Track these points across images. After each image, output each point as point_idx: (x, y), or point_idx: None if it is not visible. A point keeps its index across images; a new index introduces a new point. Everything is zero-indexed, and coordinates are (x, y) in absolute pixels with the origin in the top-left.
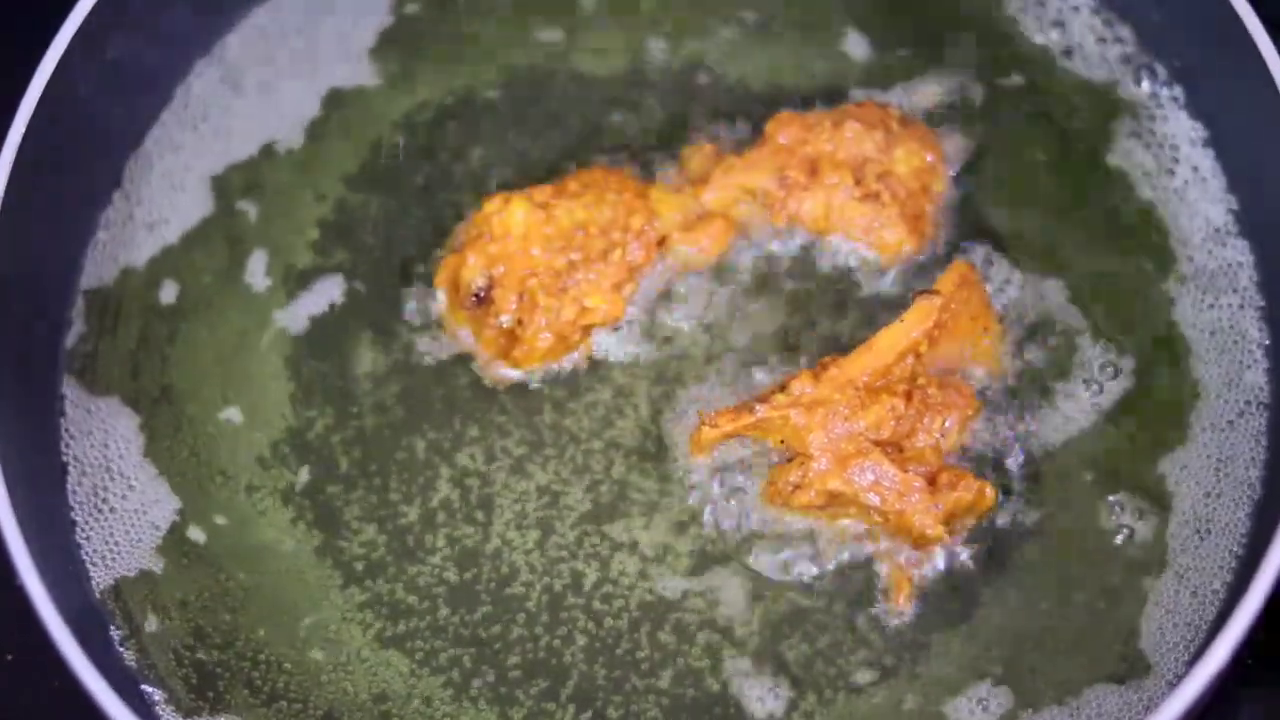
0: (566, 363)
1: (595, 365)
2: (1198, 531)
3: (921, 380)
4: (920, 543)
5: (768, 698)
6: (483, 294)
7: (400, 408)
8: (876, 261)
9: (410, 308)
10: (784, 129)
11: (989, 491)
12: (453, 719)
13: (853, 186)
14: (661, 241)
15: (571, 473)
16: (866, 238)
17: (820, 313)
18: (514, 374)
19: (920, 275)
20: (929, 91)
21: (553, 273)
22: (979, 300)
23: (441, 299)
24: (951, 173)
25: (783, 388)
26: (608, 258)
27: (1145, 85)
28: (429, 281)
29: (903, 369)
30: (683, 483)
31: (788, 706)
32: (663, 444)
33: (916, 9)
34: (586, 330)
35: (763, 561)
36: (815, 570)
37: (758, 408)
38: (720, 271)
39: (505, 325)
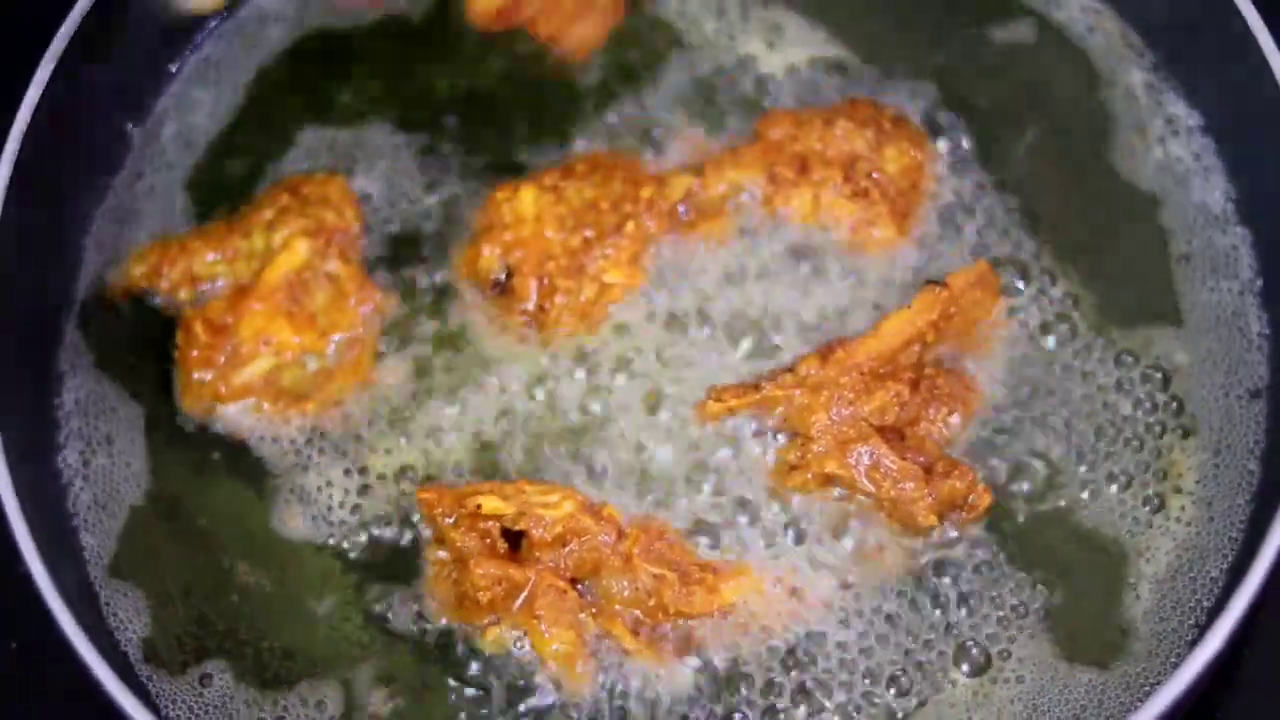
0: (581, 342)
1: (606, 344)
2: (1197, 516)
3: (929, 370)
4: (914, 531)
5: None
6: (503, 283)
7: (407, 394)
8: (870, 257)
9: (420, 300)
10: (775, 126)
11: (983, 489)
12: (457, 694)
13: (841, 183)
14: (671, 212)
15: (585, 449)
16: (855, 234)
17: (817, 306)
18: (530, 354)
19: (920, 270)
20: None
21: (569, 252)
22: (991, 301)
23: (460, 291)
24: (946, 167)
25: (790, 368)
26: (621, 230)
27: (1144, 73)
28: (433, 273)
29: (909, 356)
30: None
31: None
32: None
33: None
34: (607, 306)
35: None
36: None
37: (764, 386)
38: (717, 263)
39: (530, 310)
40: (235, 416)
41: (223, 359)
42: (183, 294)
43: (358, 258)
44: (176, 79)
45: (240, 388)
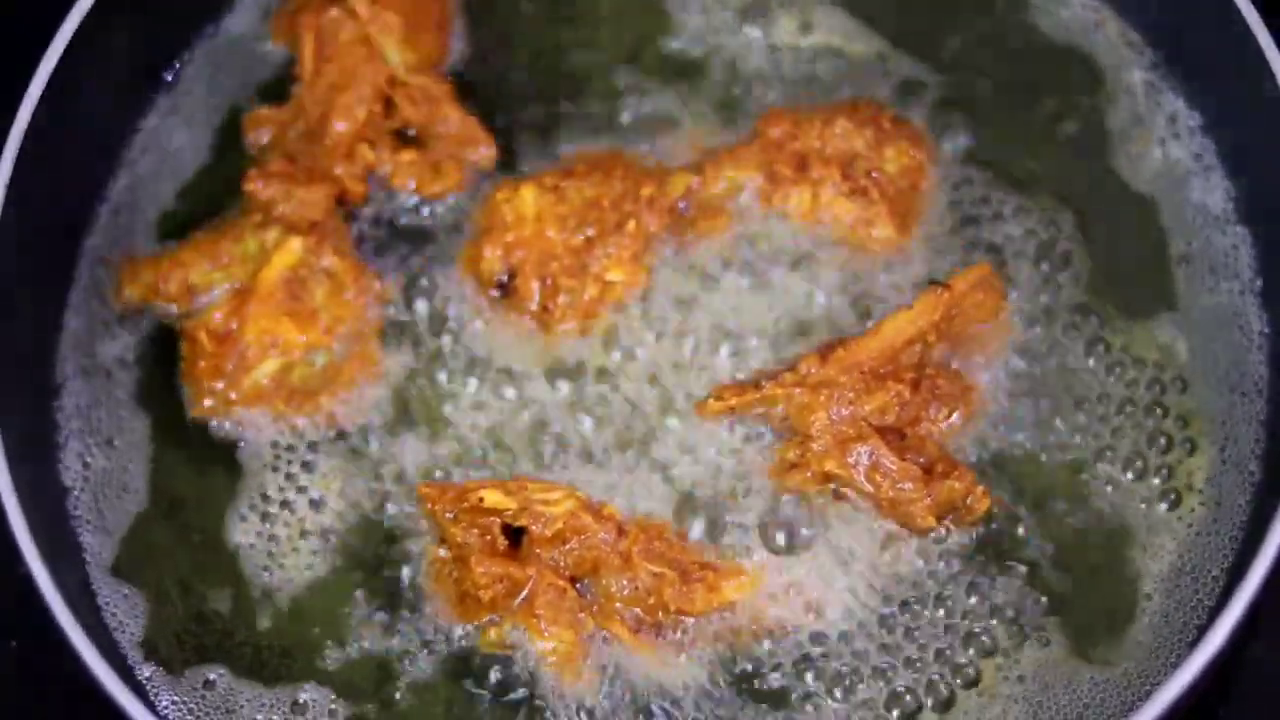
0: (584, 342)
1: (608, 342)
2: (1197, 516)
3: (930, 370)
4: (913, 531)
5: None
6: (505, 284)
7: (410, 394)
8: (870, 257)
9: (421, 302)
10: (774, 124)
11: (981, 491)
12: (457, 692)
13: (840, 182)
14: (672, 210)
15: (586, 448)
16: (854, 233)
17: (817, 304)
18: (533, 354)
19: (920, 270)
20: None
21: (571, 252)
22: (993, 304)
23: (462, 292)
24: (946, 168)
25: (791, 367)
26: (623, 229)
27: (1144, 73)
28: (434, 276)
29: (910, 356)
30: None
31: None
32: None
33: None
34: (609, 305)
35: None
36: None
37: (764, 384)
38: (717, 260)
39: (533, 310)
40: (246, 419)
41: (230, 365)
42: (182, 306)
43: (350, 250)
44: (168, 81)
45: (251, 391)
